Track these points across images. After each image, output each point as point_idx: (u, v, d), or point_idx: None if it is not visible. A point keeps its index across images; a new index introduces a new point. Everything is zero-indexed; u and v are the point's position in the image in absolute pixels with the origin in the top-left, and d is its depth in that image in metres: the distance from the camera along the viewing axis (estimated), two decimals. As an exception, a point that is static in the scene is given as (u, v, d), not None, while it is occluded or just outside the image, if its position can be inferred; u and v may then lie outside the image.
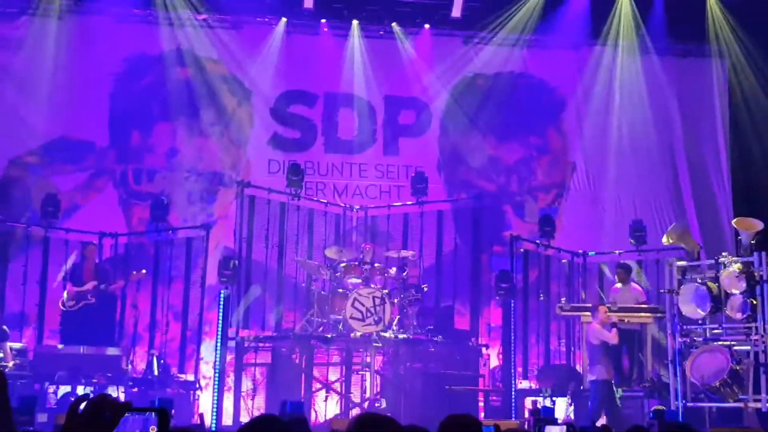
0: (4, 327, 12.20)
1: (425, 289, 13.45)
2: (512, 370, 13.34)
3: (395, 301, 12.70)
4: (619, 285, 13.59)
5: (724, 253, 12.80)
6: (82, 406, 1.84)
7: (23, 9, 14.57)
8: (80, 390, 12.26)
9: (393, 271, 13.16)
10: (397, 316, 12.65)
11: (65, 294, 12.90)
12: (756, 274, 12.10)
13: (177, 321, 13.88)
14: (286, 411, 9.89)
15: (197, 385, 13.20)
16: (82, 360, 12.31)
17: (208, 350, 13.56)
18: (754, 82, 15.29)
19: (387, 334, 12.40)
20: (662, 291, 13.40)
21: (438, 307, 14.16)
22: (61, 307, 12.87)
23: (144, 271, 13.23)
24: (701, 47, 15.89)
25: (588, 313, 13.32)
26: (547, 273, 14.85)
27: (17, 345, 12.47)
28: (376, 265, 13.10)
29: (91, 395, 1.86)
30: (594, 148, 16.10)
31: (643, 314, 13.35)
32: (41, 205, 13.73)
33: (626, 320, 13.08)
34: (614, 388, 11.98)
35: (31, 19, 14.68)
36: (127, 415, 1.86)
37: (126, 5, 14.76)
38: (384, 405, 11.85)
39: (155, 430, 1.89)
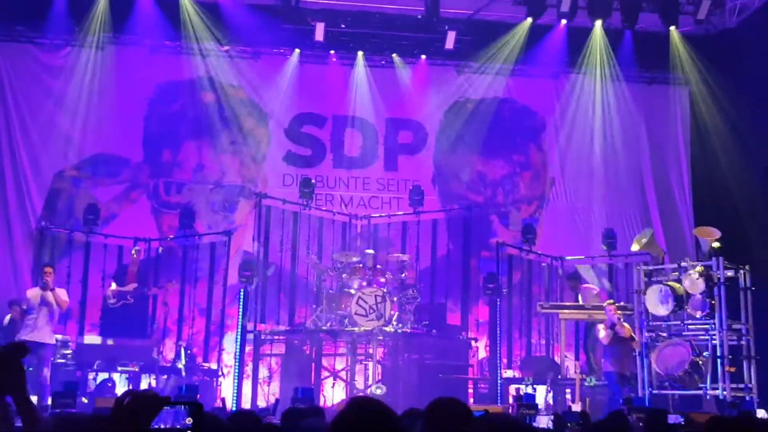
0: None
1: (420, 288, 13.46)
2: (498, 361, 13.34)
3: (395, 299, 12.68)
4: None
5: (685, 258, 12.81)
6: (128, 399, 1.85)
7: (68, 41, 14.55)
8: (116, 377, 12.27)
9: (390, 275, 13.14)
10: (397, 313, 12.62)
11: (109, 291, 12.89)
12: (714, 276, 12.09)
13: (202, 316, 13.87)
14: (298, 396, 9.89)
15: (220, 373, 13.19)
16: (118, 350, 12.30)
17: (229, 342, 13.54)
18: (712, 107, 15.25)
19: (387, 329, 12.38)
20: (631, 291, 13.44)
21: (432, 305, 14.11)
22: (108, 301, 12.84)
23: (176, 284, 13.32)
24: (665, 75, 15.87)
25: (566, 311, 13.33)
26: (529, 275, 14.83)
27: (61, 337, 12.44)
28: (377, 267, 13.09)
29: (137, 390, 1.87)
30: (571, 164, 16.04)
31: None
32: (83, 214, 13.76)
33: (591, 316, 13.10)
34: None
35: (75, 50, 14.64)
36: (166, 408, 1.87)
37: (158, 37, 14.70)
38: (380, 391, 11.77)
39: (190, 421, 1.89)
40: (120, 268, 13.29)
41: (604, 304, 12.23)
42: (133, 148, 15.00)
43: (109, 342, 12.42)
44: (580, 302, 13.57)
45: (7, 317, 12.20)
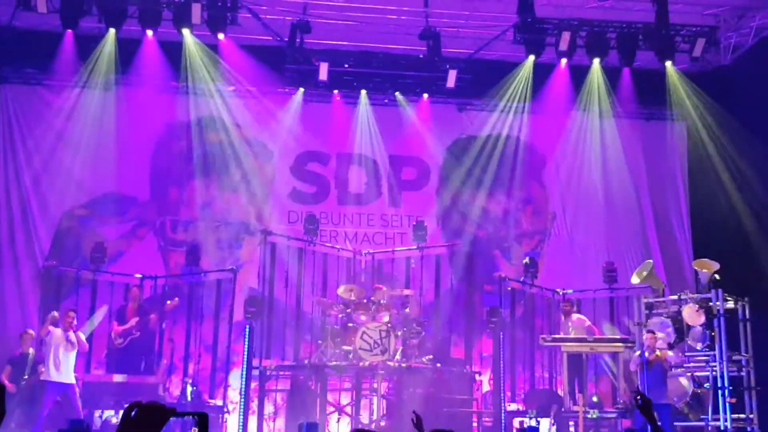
0: None
1: (423, 321, 13.56)
2: (502, 394, 13.36)
3: (399, 333, 12.76)
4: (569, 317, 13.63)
5: (685, 291, 12.91)
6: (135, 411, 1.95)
7: (75, 82, 14.74)
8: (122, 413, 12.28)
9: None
10: (401, 347, 12.70)
11: (113, 333, 12.97)
12: (714, 308, 12.19)
13: (208, 353, 13.95)
14: (303, 431, 9.95)
15: (225, 409, 13.23)
16: (124, 387, 12.34)
17: (235, 378, 13.62)
18: (709, 141, 15.42)
19: (392, 363, 12.44)
20: (632, 324, 13.51)
21: (436, 339, 14.17)
22: (110, 345, 12.96)
23: (177, 299, 13.32)
24: (663, 111, 16.07)
25: (569, 344, 13.35)
26: (531, 308, 14.91)
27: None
28: (381, 302, 13.18)
29: (143, 402, 1.98)
30: (571, 199, 16.21)
31: (616, 344, 13.37)
32: (90, 252, 13.92)
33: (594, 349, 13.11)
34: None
35: (82, 90, 14.82)
36: (172, 419, 1.97)
37: (164, 78, 14.92)
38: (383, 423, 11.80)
39: (196, 431, 1.98)
40: (120, 308, 13.37)
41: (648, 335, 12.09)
42: (140, 186, 15.20)
43: (116, 379, 12.48)
44: (570, 328, 13.54)
45: (31, 351, 12.33)
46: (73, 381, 11.64)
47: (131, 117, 15.01)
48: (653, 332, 12.01)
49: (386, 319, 12.84)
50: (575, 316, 13.71)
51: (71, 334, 11.59)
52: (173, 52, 14.56)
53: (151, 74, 14.74)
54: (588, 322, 13.73)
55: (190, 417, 2.01)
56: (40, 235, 14.58)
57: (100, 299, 13.88)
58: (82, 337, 11.88)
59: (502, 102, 15.78)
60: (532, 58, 14.98)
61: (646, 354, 11.63)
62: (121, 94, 14.97)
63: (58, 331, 11.61)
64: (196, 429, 2.00)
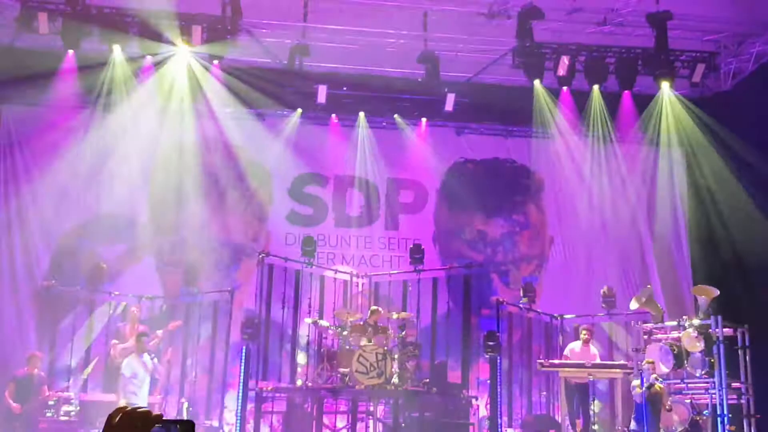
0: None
1: (421, 345, 13.52)
2: (499, 419, 13.26)
3: (395, 357, 12.70)
4: (579, 343, 13.53)
5: (684, 317, 12.86)
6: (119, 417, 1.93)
7: (76, 103, 14.80)
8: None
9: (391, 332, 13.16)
10: (398, 371, 12.64)
11: (112, 352, 12.92)
12: (713, 335, 12.14)
13: (204, 373, 13.90)
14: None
15: (221, 431, 13.15)
16: (120, 408, 12.25)
17: (231, 399, 13.55)
18: (709, 167, 15.42)
19: (388, 387, 12.38)
20: (631, 350, 13.45)
21: (433, 363, 14.12)
22: (109, 364, 12.91)
23: (180, 321, 13.31)
24: (662, 136, 16.07)
25: (567, 369, 13.27)
26: (529, 333, 14.86)
27: (65, 394, 12.48)
28: (378, 325, 13.14)
29: (128, 407, 1.95)
30: (569, 223, 16.22)
31: (614, 370, 13.31)
32: (88, 272, 13.89)
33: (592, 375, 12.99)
34: None
35: (83, 111, 14.89)
36: (157, 426, 1.95)
37: (164, 99, 14.99)
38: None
39: None
40: (118, 329, 13.33)
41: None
42: (138, 207, 15.18)
43: (112, 398, 12.41)
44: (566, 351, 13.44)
45: (36, 372, 12.29)
46: (146, 404, 11.70)
47: (130, 138, 15.01)
48: (653, 362, 11.94)
49: (383, 342, 12.79)
50: (593, 347, 13.55)
51: (146, 357, 11.82)
52: (174, 72, 14.61)
53: (151, 95, 14.78)
54: (597, 355, 13.54)
55: (176, 426, 1.97)
56: (39, 255, 14.58)
57: (97, 320, 13.86)
58: (155, 362, 12.02)
59: (498, 125, 15.81)
60: (537, 83, 15.04)
61: (652, 381, 11.56)
62: (121, 115, 14.97)
63: (134, 358, 11.84)
64: (181, 438, 1.97)
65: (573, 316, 14.82)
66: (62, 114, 14.95)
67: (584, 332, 13.49)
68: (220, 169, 15.44)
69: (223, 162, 15.46)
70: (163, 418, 1.96)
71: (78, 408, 12.22)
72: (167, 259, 15.17)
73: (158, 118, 15.18)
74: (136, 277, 14.77)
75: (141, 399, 11.59)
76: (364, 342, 12.66)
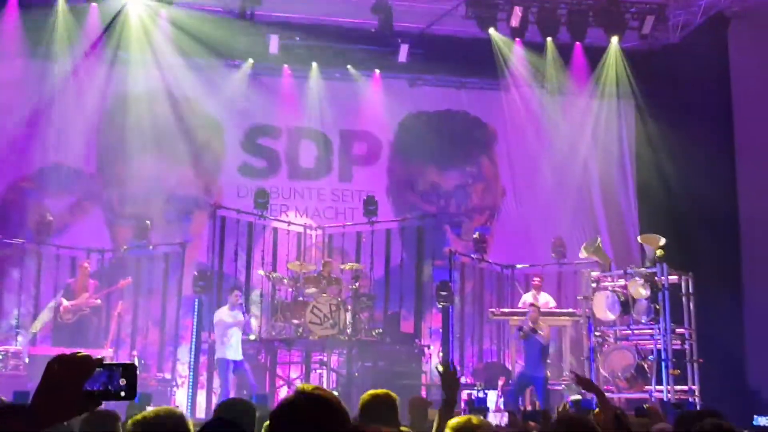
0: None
1: (375, 297, 13.61)
2: (450, 368, 13.39)
3: (349, 308, 12.76)
4: (531, 293, 13.74)
5: (631, 265, 13.10)
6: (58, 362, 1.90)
7: (21, 53, 14.40)
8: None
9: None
10: (351, 321, 12.70)
11: (61, 309, 12.75)
12: (658, 282, 12.40)
13: (156, 327, 13.83)
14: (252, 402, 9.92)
15: (174, 383, 13.15)
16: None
17: (183, 352, 13.51)
18: (657, 119, 15.58)
19: (342, 337, 12.45)
20: (579, 298, 13.69)
21: (386, 313, 14.22)
22: (59, 320, 12.76)
23: (129, 278, 13.17)
24: (612, 89, 16.15)
25: (516, 317, 13.49)
26: (480, 283, 15.02)
27: (13, 348, 12.33)
28: (332, 276, 13.17)
29: (67, 353, 1.93)
30: (521, 175, 16.32)
31: (562, 318, 13.54)
32: (35, 225, 13.65)
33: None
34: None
35: (29, 61, 14.50)
36: (98, 370, 1.92)
37: (110, 49, 14.61)
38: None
39: (124, 382, 1.94)
40: (67, 286, 13.14)
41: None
42: (86, 159, 14.91)
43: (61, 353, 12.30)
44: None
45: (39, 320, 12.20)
46: (242, 357, 11.94)
47: (79, 88, 14.70)
48: (536, 306, 12.31)
49: (336, 293, 12.84)
50: (544, 295, 13.76)
51: (237, 312, 11.96)
52: (122, 22, 14.27)
53: (96, 45, 14.46)
54: (552, 304, 13.77)
55: (118, 368, 1.95)
56: (-17, 208, 14.29)
57: (45, 273, 13.67)
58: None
59: (452, 77, 15.77)
60: (493, 31, 14.98)
61: (527, 327, 11.87)
62: (65, 65, 14.61)
63: (225, 310, 11.97)
64: (124, 380, 1.95)
65: (524, 266, 15.00)
66: (7, 63, 14.52)
67: (535, 279, 13.72)
68: (170, 121, 15.14)
69: (173, 113, 15.17)
70: (104, 362, 1.94)
71: (27, 361, 12.08)
72: (117, 211, 14.97)
73: (105, 68, 14.86)
74: (85, 230, 14.56)
75: (234, 351, 11.80)
76: (317, 293, 12.69)
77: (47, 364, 1.89)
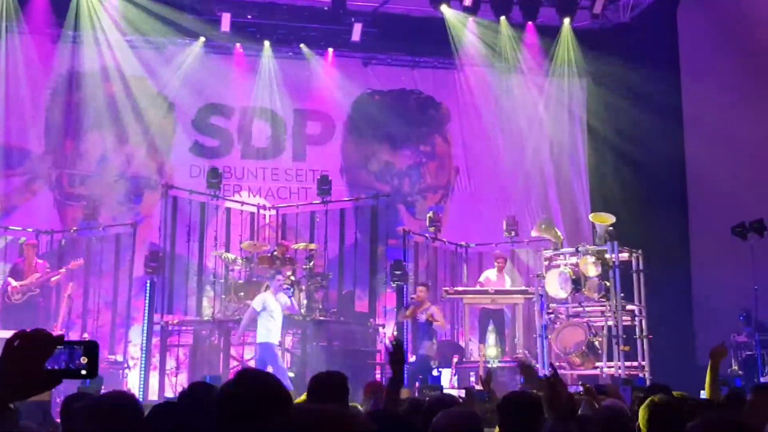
0: None
1: (330, 276, 13.64)
2: (404, 346, 13.53)
3: (303, 287, 12.78)
4: (494, 271, 13.90)
5: (582, 243, 13.30)
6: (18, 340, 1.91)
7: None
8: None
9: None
10: (305, 301, 12.71)
11: (9, 289, 12.56)
12: (609, 260, 12.60)
13: (107, 309, 13.70)
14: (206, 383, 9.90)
15: (126, 365, 13.04)
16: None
17: (135, 334, 13.40)
18: (608, 98, 15.78)
19: (296, 317, 12.47)
20: (532, 275, 13.88)
21: (341, 293, 14.26)
22: (7, 301, 12.56)
23: (81, 260, 13.01)
24: (564, 68, 16.33)
25: (470, 296, 13.66)
26: (434, 262, 15.14)
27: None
28: (286, 256, 13.16)
29: (27, 330, 1.94)
30: (474, 154, 16.40)
31: (514, 296, 13.71)
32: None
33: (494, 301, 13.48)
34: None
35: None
36: (59, 348, 1.93)
37: (57, 27, 14.37)
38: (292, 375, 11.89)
39: (85, 360, 1.95)
40: (15, 265, 12.96)
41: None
42: (34, 138, 14.63)
43: (9, 335, 12.13)
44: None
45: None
46: (277, 341, 11.61)
47: (26, 66, 14.42)
48: (426, 286, 12.63)
49: (290, 273, 12.83)
50: (506, 276, 13.89)
51: (281, 295, 11.64)
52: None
53: (47, 23, 14.20)
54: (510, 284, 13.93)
55: (79, 346, 1.97)
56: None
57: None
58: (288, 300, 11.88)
59: (406, 56, 15.80)
60: (448, 11, 15.02)
61: (412, 308, 12.25)
62: (10, 43, 14.31)
63: (268, 295, 11.56)
64: (86, 359, 1.97)
65: (476, 244, 15.15)
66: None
67: (499, 260, 13.88)
68: (120, 100, 14.92)
69: (123, 92, 14.97)
70: (66, 340, 1.95)
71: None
72: (66, 192, 14.76)
73: (54, 46, 14.60)
74: (33, 210, 14.33)
75: (273, 334, 11.50)
76: (271, 274, 12.67)
77: (6, 342, 1.90)
